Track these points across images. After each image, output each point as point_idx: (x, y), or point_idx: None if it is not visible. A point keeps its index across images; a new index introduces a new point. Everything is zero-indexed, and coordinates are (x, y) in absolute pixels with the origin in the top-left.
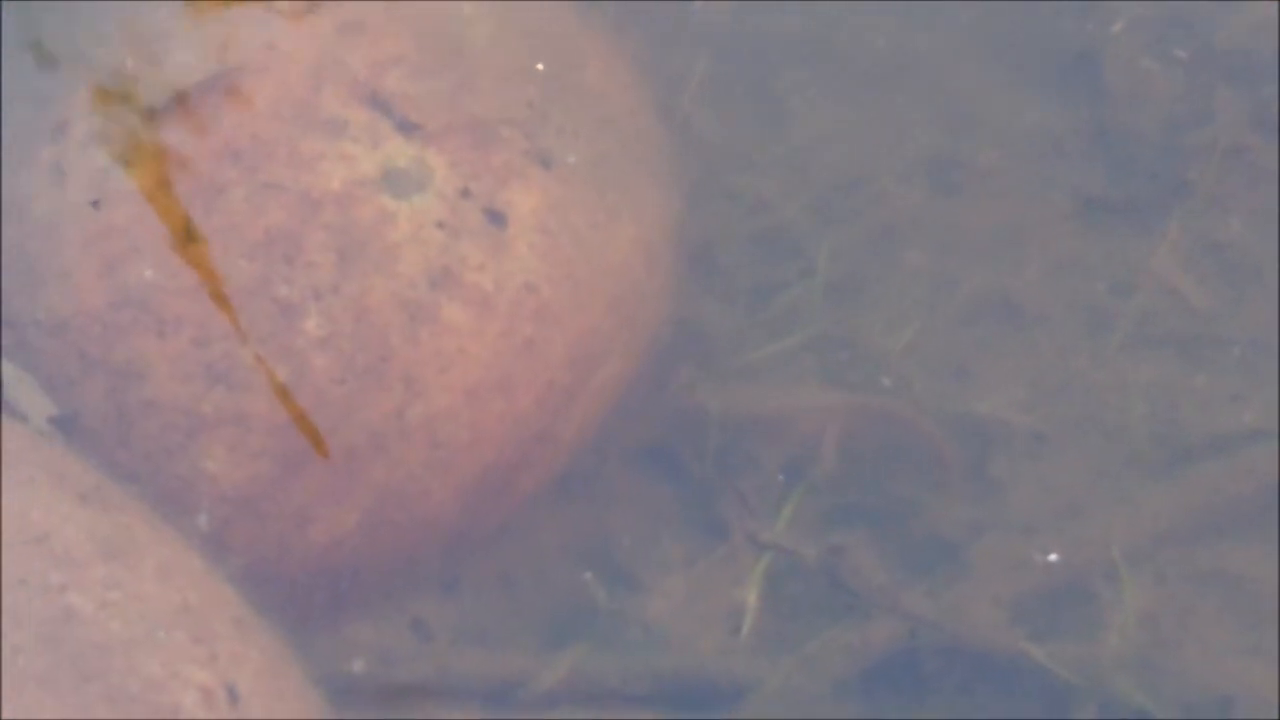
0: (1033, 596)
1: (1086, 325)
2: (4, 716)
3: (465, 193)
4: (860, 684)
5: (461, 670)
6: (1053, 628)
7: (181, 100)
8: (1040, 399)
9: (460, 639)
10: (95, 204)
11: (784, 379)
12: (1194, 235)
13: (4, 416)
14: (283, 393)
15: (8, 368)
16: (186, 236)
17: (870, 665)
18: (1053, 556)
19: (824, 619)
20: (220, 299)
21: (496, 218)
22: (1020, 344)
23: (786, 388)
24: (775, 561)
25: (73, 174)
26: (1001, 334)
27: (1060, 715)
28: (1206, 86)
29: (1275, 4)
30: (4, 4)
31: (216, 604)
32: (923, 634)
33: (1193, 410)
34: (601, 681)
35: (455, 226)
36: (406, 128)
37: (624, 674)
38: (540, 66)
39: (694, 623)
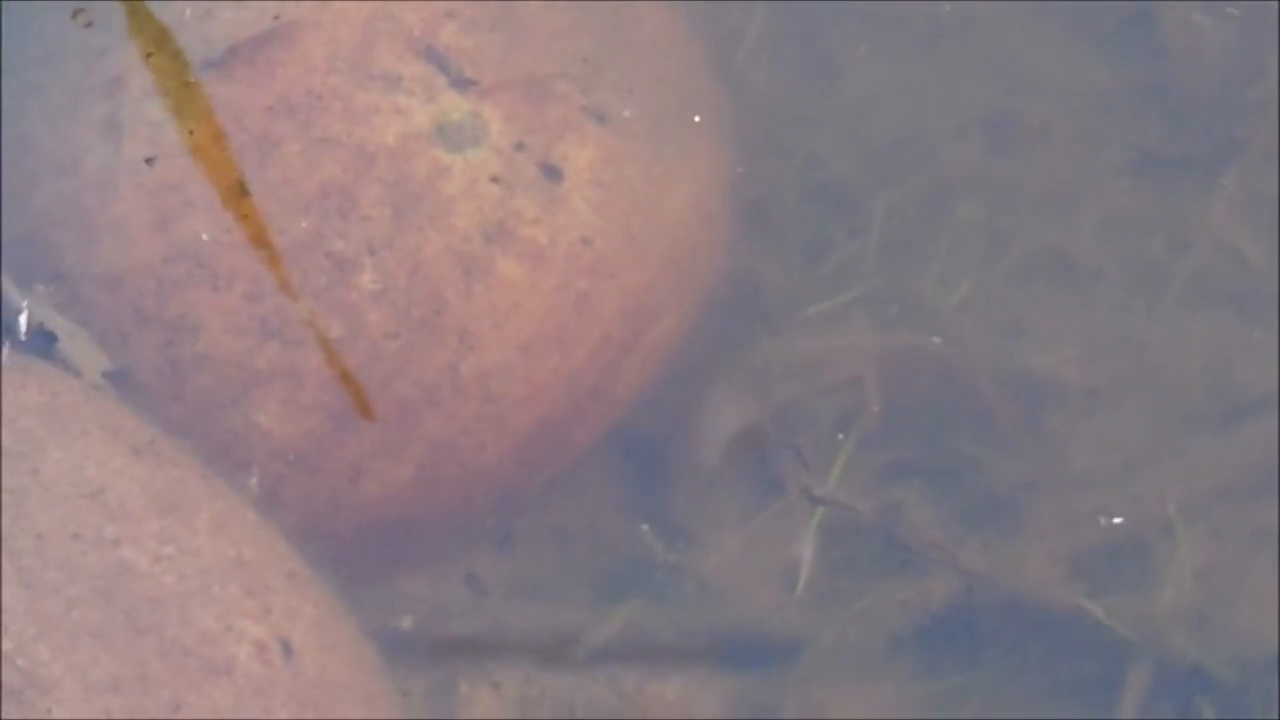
0: (1089, 553)
1: (1142, 281)
2: (58, 671)
3: (520, 146)
4: (916, 640)
5: (515, 624)
6: (1109, 584)
7: (235, 54)
8: (1095, 355)
9: (514, 593)
10: (150, 161)
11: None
12: (1250, 190)
13: (59, 371)
14: (330, 350)
15: (62, 323)
16: (240, 191)
17: (926, 621)
18: (1117, 519)
19: (879, 575)
20: (273, 253)
21: (551, 172)
22: (1075, 300)
23: (836, 330)
24: (830, 517)
25: (128, 128)
26: (1056, 290)
27: (1116, 671)
28: (1261, 42)
29: None
30: None
31: (270, 558)
32: (979, 590)
33: (1248, 366)
34: (655, 636)
35: (510, 180)
36: (461, 82)
37: (678, 629)
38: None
39: (749, 578)
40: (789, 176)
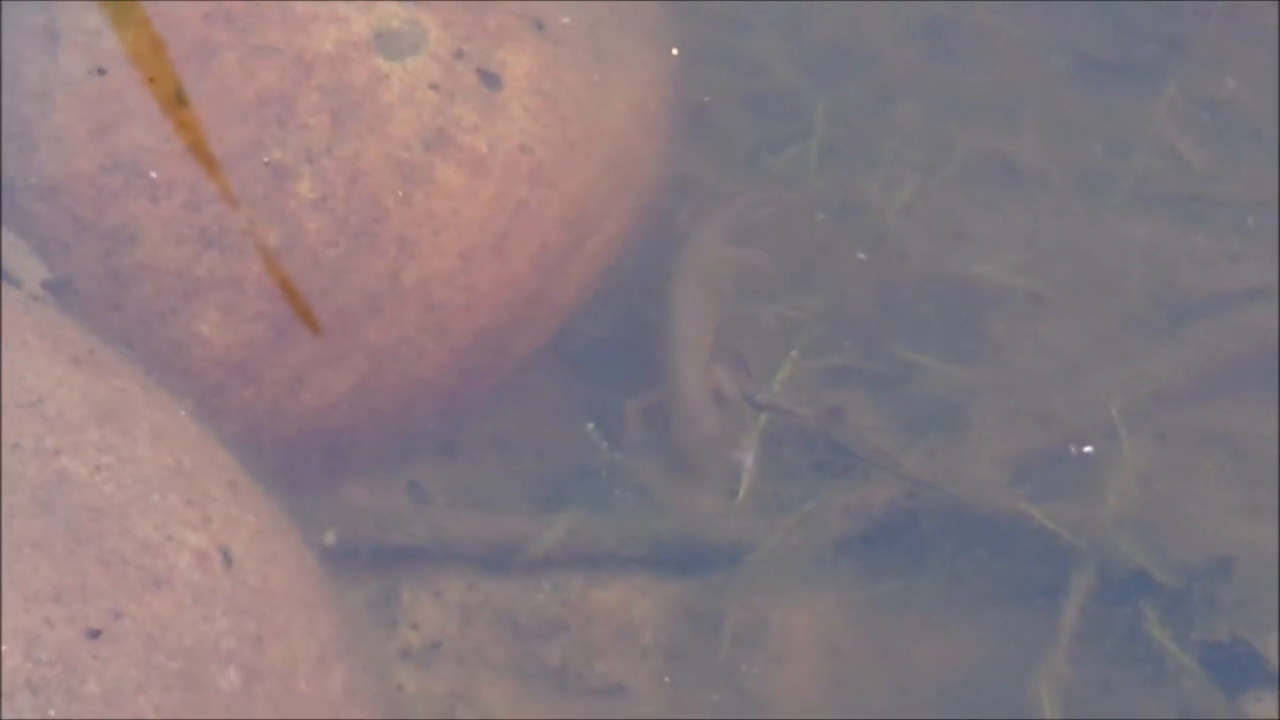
0: (1032, 457)
1: (1084, 186)
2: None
3: (459, 54)
4: (859, 545)
5: (457, 533)
6: (1052, 488)
7: None
8: (1038, 260)
9: (456, 501)
10: (99, 71)
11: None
12: (1192, 95)
13: None
14: (270, 261)
15: (3, 233)
16: (178, 99)
17: (869, 527)
18: (1088, 448)
19: (822, 481)
20: (211, 162)
21: (490, 79)
22: (1017, 205)
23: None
24: (773, 423)
25: (65, 38)
26: (998, 195)
27: (1060, 575)
28: None
29: None
30: None
31: (210, 467)
32: (921, 495)
33: (1191, 270)
34: (598, 543)
35: (449, 88)
36: None
37: (620, 536)
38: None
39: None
40: (730, 83)
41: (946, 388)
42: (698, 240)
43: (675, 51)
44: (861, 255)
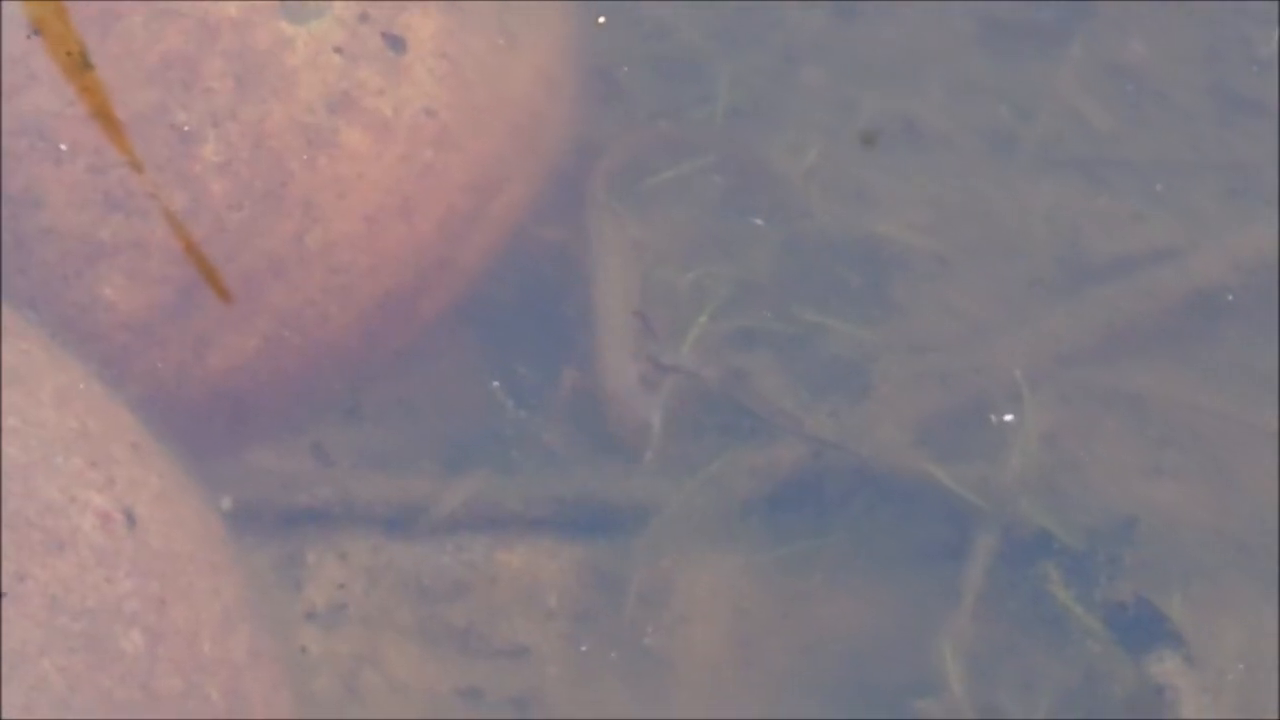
0: (936, 419)
1: (989, 148)
2: None
3: (364, 17)
4: (764, 506)
5: (362, 495)
6: (956, 449)
7: None
8: (942, 221)
9: (361, 464)
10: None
11: (686, 203)
12: (1096, 57)
13: None
14: (177, 223)
15: None
16: (83, 63)
17: (774, 487)
18: (1008, 417)
19: (727, 442)
20: (116, 126)
21: (395, 43)
22: (922, 167)
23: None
24: (680, 385)
25: None
26: (903, 157)
27: (964, 536)
28: None
29: None
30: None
31: (114, 429)
32: (827, 456)
33: (1094, 231)
34: (502, 505)
35: (354, 51)
36: None
37: (525, 497)
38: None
39: (597, 446)
40: (636, 45)
41: (851, 349)
42: (597, 209)
43: (602, 20)
44: (759, 221)
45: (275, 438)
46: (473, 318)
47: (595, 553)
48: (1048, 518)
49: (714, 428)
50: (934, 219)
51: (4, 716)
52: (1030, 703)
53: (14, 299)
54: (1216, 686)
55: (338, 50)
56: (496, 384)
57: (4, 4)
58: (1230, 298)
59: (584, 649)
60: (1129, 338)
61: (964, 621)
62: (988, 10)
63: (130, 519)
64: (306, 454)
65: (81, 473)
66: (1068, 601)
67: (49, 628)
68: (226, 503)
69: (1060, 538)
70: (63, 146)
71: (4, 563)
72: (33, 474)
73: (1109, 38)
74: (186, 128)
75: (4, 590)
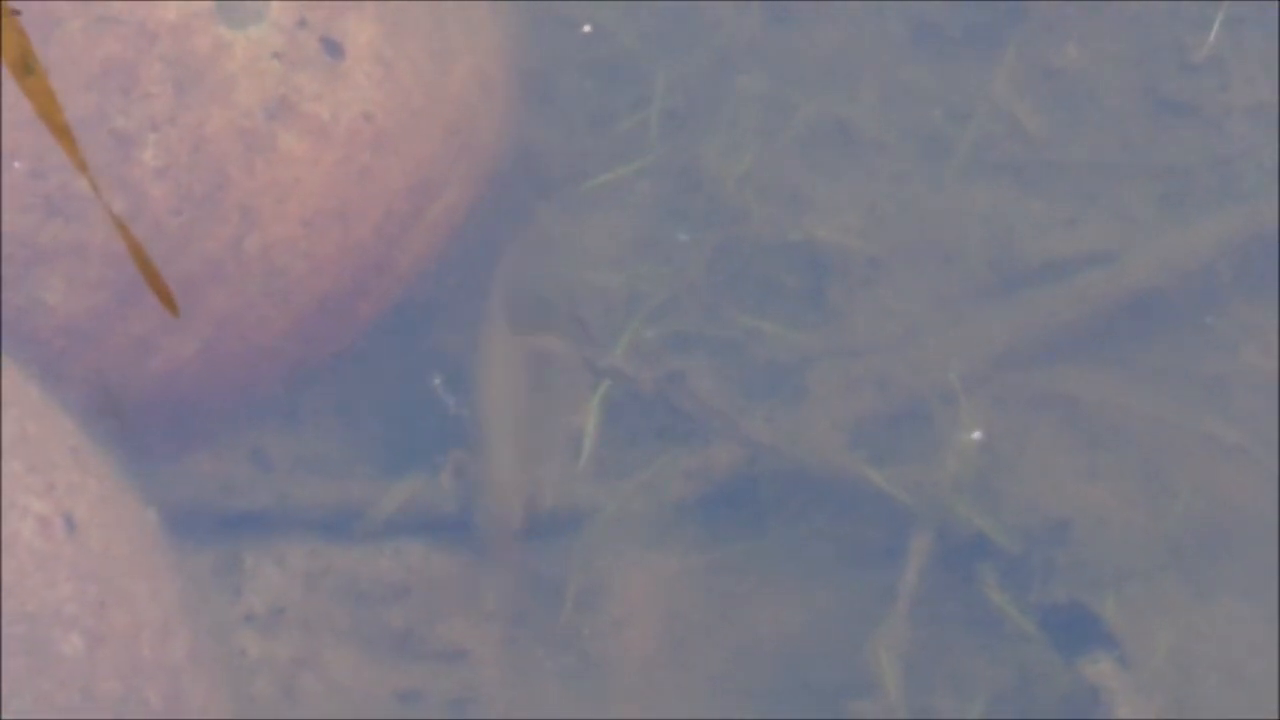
0: (871, 422)
1: (923, 151)
2: None
3: (302, 23)
4: (700, 509)
5: (300, 499)
6: (891, 452)
7: None
8: (877, 225)
9: (299, 468)
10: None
11: (620, 207)
12: (1029, 61)
13: None
14: (125, 229)
15: None
16: (24, 68)
17: (710, 490)
18: (976, 434)
19: (663, 445)
20: (61, 130)
21: (333, 48)
22: (857, 171)
23: None
24: (613, 388)
25: None
26: (838, 161)
27: (899, 539)
28: None
29: None
30: None
31: (54, 434)
32: (762, 459)
33: (1028, 235)
34: (440, 509)
35: (292, 57)
36: None
37: (463, 502)
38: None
39: (535, 450)
40: (571, 48)
41: (787, 352)
42: (489, 334)
43: (588, 29)
44: (684, 237)
45: (214, 442)
46: (411, 321)
47: (533, 555)
48: (983, 520)
49: (649, 431)
50: (869, 223)
51: None
52: (965, 704)
53: None
54: (1150, 687)
55: (276, 55)
56: (438, 380)
57: None
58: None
59: (520, 651)
60: (1063, 341)
61: (899, 623)
62: (921, 13)
63: (70, 523)
64: (245, 458)
65: (21, 477)
66: (1002, 603)
67: None
68: (153, 514)
69: (995, 540)
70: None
71: None
72: None
73: (1042, 41)
74: (125, 132)
75: None
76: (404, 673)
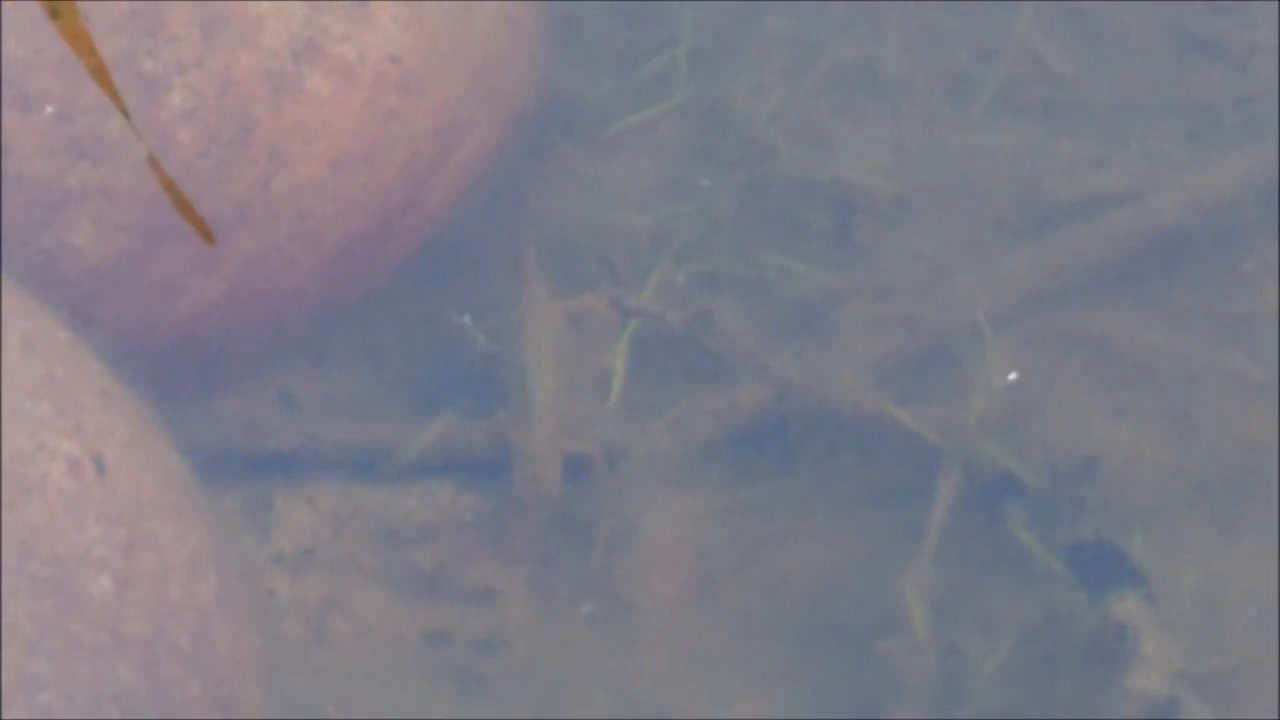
0: (899, 361)
1: (949, 92)
2: None
3: None
4: (728, 448)
5: (329, 440)
6: (919, 391)
7: None
8: (904, 165)
9: (328, 409)
10: None
11: (649, 148)
12: (1056, 1)
13: None
14: (155, 164)
15: None
16: (52, 10)
17: (737, 430)
18: (1012, 375)
19: (691, 385)
20: (97, 70)
21: None
22: (884, 111)
23: None
24: (641, 328)
25: None
26: (865, 101)
27: (927, 478)
28: None
29: None
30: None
31: (82, 376)
32: (790, 398)
33: (1055, 175)
34: (470, 449)
35: None
36: None
37: (493, 442)
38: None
39: (563, 390)
40: None
41: (814, 292)
42: (526, 291)
43: None
44: (705, 182)
45: (242, 384)
46: (438, 263)
47: (563, 495)
48: (1010, 459)
49: (678, 371)
50: (896, 163)
51: None
52: (992, 642)
53: None
54: (1177, 625)
55: None
56: (466, 319)
57: None
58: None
59: (549, 593)
60: (1090, 280)
61: (927, 562)
62: None
63: (99, 466)
64: (273, 400)
65: (50, 420)
66: (1029, 542)
67: (18, 574)
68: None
69: (1022, 478)
70: (31, 93)
71: None
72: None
73: None
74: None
75: None
76: (432, 613)
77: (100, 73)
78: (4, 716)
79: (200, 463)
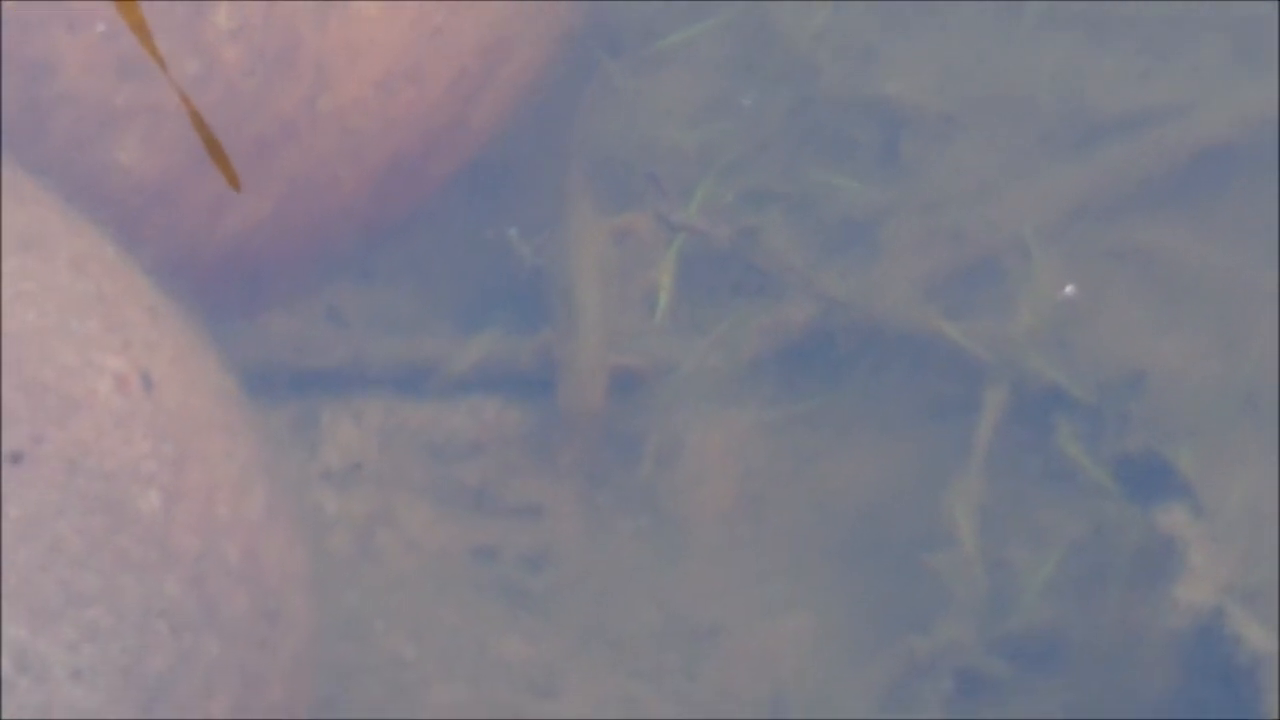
0: (946, 275)
1: (996, 6)
2: None
3: None
4: (775, 364)
5: (376, 356)
6: (966, 306)
7: None
8: (950, 80)
9: (375, 325)
10: None
11: (694, 64)
12: None
13: None
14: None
15: None
16: None
17: (785, 345)
18: (1069, 288)
19: (738, 301)
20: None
21: None
22: (930, 26)
23: None
24: (688, 244)
25: None
26: (911, 16)
27: (974, 392)
28: None
29: None
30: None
31: (130, 293)
32: (837, 314)
33: (1101, 89)
34: (516, 365)
35: None
36: None
37: (538, 358)
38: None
39: (609, 305)
40: None
41: (861, 208)
42: (573, 210)
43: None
44: (747, 101)
45: (289, 300)
46: (484, 180)
47: (609, 411)
48: (1057, 373)
49: (724, 287)
50: (942, 78)
51: (14, 580)
52: (1040, 556)
53: (29, 165)
54: (1224, 536)
55: None
56: (514, 231)
57: None
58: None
59: (595, 508)
60: (1137, 194)
61: (974, 476)
62: None
63: (147, 381)
64: (321, 316)
65: (98, 336)
66: (1077, 455)
67: (66, 489)
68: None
69: (1070, 392)
70: (78, 12)
71: (21, 425)
72: (49, 338)
73: None
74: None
75: (22, 452)
76: (479, 529)
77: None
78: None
79: (248, 379)
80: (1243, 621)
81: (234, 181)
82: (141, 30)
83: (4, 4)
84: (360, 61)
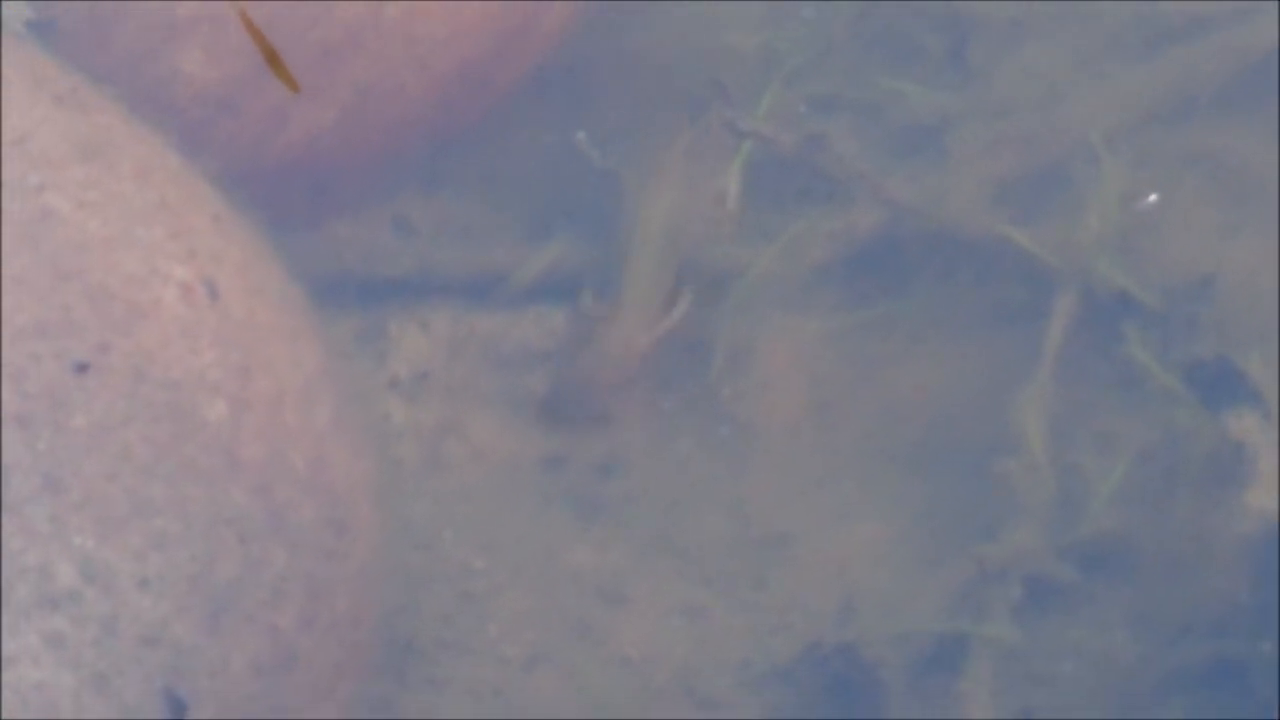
0: (1014, 181)
1: None
2: None
3: None
4: (843, 270)
5: (443, 265)
6: (1035, 211)
7: None
8: None
9: (441, 235)
10: None
11: None
12: None
13: None
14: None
15: None
16: None
17: (852, 252)
18: (1152, 197)
19: (805, 207)
20: None
21: None
22: None
23: None
24: (755, 150)
25: None
26: None
27: (1043, 298)
28: None
29: None
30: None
31: (195, 202)
32: (904, 220)
33: None
34: (580, 275)
35: None
36: None
37: (606, 266)
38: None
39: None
40: None
41: (929, 114)
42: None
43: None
44: (809, 14)
45: (355, 210)
46: (551, 87)
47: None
48: (1126, 278)
49: (791, 193)
50: None
51: (81, 490)
52: (1110, 461)
53: (94, 74)
54: None
55: None
56: (582, 134)
57: None
58: None
59: (666, 415)
60: (1206, 98)
61: (1044, 382)
62: None
63: (212, 290)
64: (387, 225)
65: (163, 244)
66: (1146, 361)
67: (133, 398)
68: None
69: (1139, 298)
70: None
71: (87, 334)
72: (114, 247)
73: None
74: None
75: (88, 361)
76: (548, 438)
77: None
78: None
79: (314, 288)
80: None
81: (293, 86)
82: None
83: None
84: None
